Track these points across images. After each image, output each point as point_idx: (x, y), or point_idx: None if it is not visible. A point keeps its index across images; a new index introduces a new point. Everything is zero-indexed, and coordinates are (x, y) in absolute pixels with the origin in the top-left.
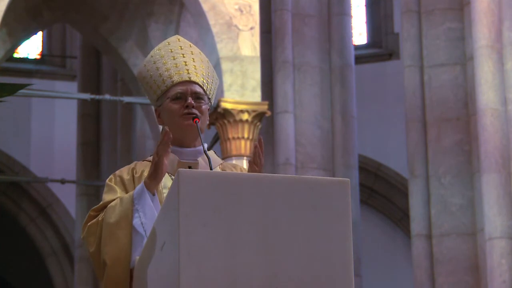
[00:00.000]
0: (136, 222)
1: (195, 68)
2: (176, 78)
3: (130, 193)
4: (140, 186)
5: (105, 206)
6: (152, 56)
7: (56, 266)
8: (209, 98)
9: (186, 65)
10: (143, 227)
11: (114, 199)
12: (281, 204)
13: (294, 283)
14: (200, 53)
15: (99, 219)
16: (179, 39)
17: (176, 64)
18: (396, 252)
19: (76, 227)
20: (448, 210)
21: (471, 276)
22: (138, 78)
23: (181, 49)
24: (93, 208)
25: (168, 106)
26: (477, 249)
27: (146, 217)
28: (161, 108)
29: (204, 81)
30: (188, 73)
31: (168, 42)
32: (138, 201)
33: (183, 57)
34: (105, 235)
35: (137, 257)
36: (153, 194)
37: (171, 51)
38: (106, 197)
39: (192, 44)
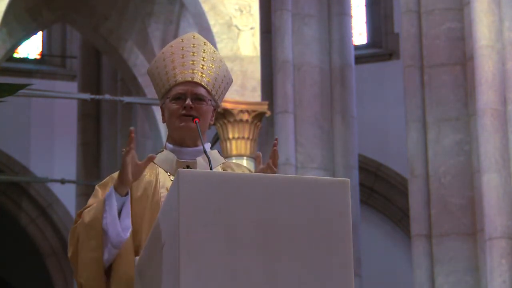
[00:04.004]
0: (104, 223)
1: (202, 68)
2: (179, 78)
3: (102, 197)
4: (110, 187)
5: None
6: (163, 53)
7: (56, 266)
8: (215, 99)
9: (193, 64)
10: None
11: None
12: (281, 204)
13: (294, 283)
14: (214, 51)
15: (78, 222)
16: (194, 36)
17: (183, 63)
18: (396, 252)
19: None
20: (448, 210)
21: (471, 276)
22: (148, 74)
23: (193, 47)
24: (78, 212)
25: (168, 106)
26: (477, 249)
27: (111, 219)
28: (164, 107)
29: (210, 81)
30: (193, 73)
31: (182, 39)
32: (108, 202)
33: (193, 55)
34: (82, 237)
35: (137, 257)
36: (122, 195)
37: (182, 49)
38: (90, 201)
39: (207, 42)
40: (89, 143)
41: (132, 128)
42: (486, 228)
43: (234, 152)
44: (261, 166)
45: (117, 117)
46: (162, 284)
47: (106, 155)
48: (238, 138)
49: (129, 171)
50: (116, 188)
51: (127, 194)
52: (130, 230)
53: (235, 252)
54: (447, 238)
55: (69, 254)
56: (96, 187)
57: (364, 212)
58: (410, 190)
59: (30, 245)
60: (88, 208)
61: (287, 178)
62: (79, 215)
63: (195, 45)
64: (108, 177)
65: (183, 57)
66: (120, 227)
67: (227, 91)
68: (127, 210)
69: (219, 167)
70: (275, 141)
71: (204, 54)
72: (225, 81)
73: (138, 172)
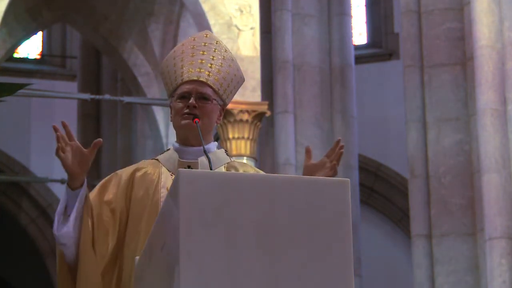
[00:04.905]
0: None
1: (210, 67)
2: (185, 77)
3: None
4: (65, 184)
5: None
6: (174, 51)
7: (56, 266)
8: (222, 99)
9: (201, 63)
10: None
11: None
12: (281, 204)
13: (294, 283)
14: (225, 50)
15: None
16: (207, 35)
17: (192, 62)
18: (396, 252)
19: None
20: (448, 210)
21: (471, 276)
22: (159, 72)
23: (204, 45)
24: None
25: (174, 104)
26: (477, 249)
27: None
28: (172, 105)
29: (218, 80)
30: (199, 72)
31: (194, 38)
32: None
33: (202, 54)
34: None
35: (137, 257)
36: (76, 188)
37: (193, 48)
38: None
39: (219, 41)
40: (89, 143)
41: (62, 122)
42: (486, 228)
43: (234, 152)
44: (313, 161)
45: (117, 117)
46: (162, 284)
47: (106, 155)
48: (238, 138)
49: (69, 164)
50: (68, 184)
51: (82, 185)
52: (70, 236)
53: (235, 252)
54: (447, 238)
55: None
56: (103, 182)
57: (364, 212)
58: (410, 190)
59: (30, 245)
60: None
61: (287, 178)
62: None
63: (206, 44)
64: (120, 171)
65: (192, 56)
66: (57, 226)
67: (237, 90)
68: (78, 210)
69: (222, 167)
70: (341, 143)
71: (214, 53)
72: (235, 80)
73: (86, 161)
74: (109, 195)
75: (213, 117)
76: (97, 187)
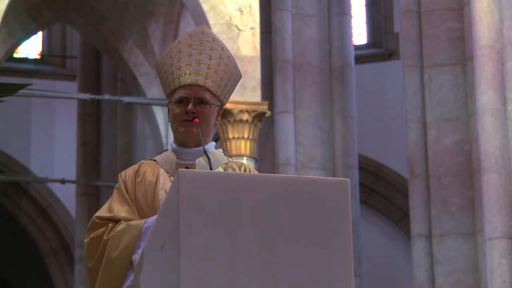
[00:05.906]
0: (135, 257)
1: (207, 69)
2: (183, 80)
3: (140, 225)
4: (151, 220)
5: (112, 219)
6: (171, 49)
7: (56, 266)
8: (220, 99)
9: (199, 64)
10: None
11: (122, 217)
12: (281, 204)
13: (294, 283)
14: (222, 48)
15: (104, 237)
16: (203, 31)
17: (189, 63)
18: (396, 252)
19: (76, 227)
20: (448, 210)
21: (471, 276)
22: (156, 69)
23: (201, 44)
24: (99, 215)
25: (172, 108)
26: (477, 249)
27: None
28: (169, 107)
29: (215, 82)
30: (197, 75)
31: (190, 35)
32: (144, 237)
33: (199, 54)
34: (105, 267)
35: (137, 257)
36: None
37: (190, 46)
38: (115, 207)
39: (216, 38)
40: (89, 143)
41: None
42: (486, 228)
43: (234, 152)
44: None
45: (117, 117)
46: (162, 284)
47: (106, 155)
48: (238, 138)
49: None
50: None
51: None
52: None
53: (235, 252)
54: (447, 238)
55: (89, 265)
56: (121, 187)
57: (364, 212)
58: (410, 190)
59: (30, 245)
60: (118, 234)
61: (287, 178)
62: (102, 219)
63: (203, 42)
64: (123, 174)
65: (189, 56)
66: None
67: (234, 88)
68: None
69: (220, 167)
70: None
71: (211, 52)
72: (232, 79)
73: None
74: (124, 211)
75: (211, 121)
76: (118, 205)
